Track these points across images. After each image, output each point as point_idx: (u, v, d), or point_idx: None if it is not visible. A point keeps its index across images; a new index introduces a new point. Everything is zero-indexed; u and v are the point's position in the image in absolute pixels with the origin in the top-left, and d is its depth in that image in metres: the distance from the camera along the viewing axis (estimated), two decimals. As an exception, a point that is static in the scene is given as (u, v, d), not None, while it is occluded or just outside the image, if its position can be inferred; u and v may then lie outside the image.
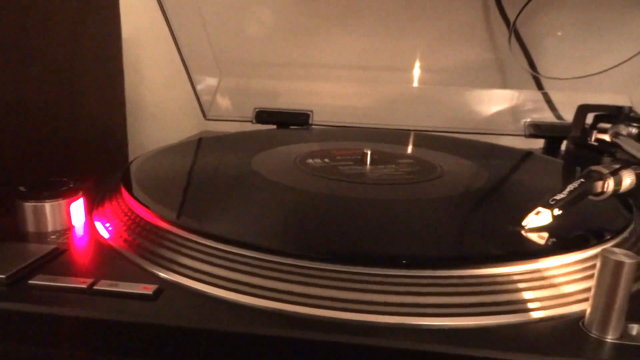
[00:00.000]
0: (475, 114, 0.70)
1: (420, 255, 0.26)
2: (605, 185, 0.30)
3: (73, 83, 0.50)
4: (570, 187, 0.30)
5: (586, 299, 0.23)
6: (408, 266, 0.25)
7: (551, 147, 0.63)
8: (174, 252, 0.27)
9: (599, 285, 0.21)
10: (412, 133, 0.62)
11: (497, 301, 0.24)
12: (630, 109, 0.52)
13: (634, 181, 0.31)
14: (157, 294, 0.24)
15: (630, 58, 0.62)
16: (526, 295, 0.24)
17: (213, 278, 0.25)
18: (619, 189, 0.31)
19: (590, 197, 0.31)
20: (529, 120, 0.66)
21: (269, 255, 0.25)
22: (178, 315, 0.22)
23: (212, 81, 0.71)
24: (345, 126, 0.67)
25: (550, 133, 0.64)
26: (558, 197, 0.29)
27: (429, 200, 0.35)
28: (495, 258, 0.25)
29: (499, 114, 0.69)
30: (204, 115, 0.69)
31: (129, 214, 0.32)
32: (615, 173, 0.30)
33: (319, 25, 0.69)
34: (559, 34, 0.63)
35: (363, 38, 0.69)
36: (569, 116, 0.57)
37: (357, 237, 0.29)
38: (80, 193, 0.33)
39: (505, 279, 0.25)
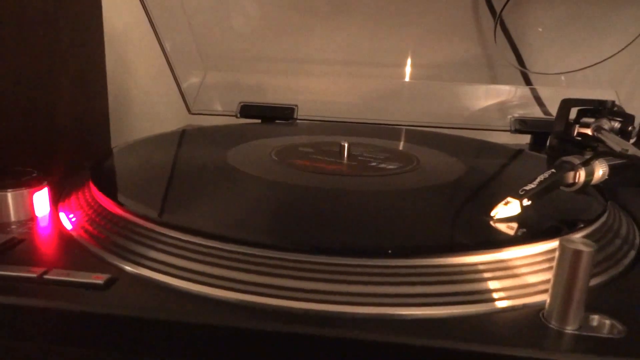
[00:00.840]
0: (463, 110, 0.69)
1: (383, 245, 0.26)
2: (577, 176, 0.30)
3: (50, 75, 0.49)
4: (540, 178, 0.29)
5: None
6: (371, 255, 0.24)
7: (537, 143, 0.63)
8: (134, 243, 0.26)
9: (557, 274, 0.21)
10: (395, 128, 0.61)
11: (460, 291, 0.23)
12: (613, 103, 0.51)
13: (607, 172, 0.31)
14: (108, 283, 0.23)
15: (617, 53, 0.62)
16: (489, 285, 0.24)
17: (171, 268, 0.25)
18: (591, 180, 0.30)
19: (562, 188, 0.30)
20: (515, 115, 0.66)
21: (230, 245, 0.25)
22: (125, 304, 0.22)
23: (197, 75, 0.71)
24: (330, 121, 0.67)
25: (536, 128, 0.63)
26: (527, 187, 0.29)
27: (399, 192, 0.34)
28: (458, 248, 0.25)
29: (487, 109, 0.69)
30: (188, 110, 0.69)
31: (93, 205, 0.31)
32: (586, 164, 0.30)
33: (306, 20, 0.69)
34: (540, 30, 0.62)
35: (351, 33, 0.68)
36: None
37: (321, 227, 0.29)
38: (45, 183, 0.32)
39: (469, 268, 0.24)
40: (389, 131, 0.59)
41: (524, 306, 0.23)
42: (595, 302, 0.24)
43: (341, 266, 0.24)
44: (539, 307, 0.23)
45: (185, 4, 0.66)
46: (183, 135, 0.52)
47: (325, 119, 0.67)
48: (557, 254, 0.21)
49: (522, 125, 0.64)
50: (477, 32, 0.67)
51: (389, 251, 0.24)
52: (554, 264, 0.21)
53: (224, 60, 0.71)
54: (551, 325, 0.21)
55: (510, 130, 0.64)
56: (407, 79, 0.70)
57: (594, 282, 0.26)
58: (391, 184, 0.36)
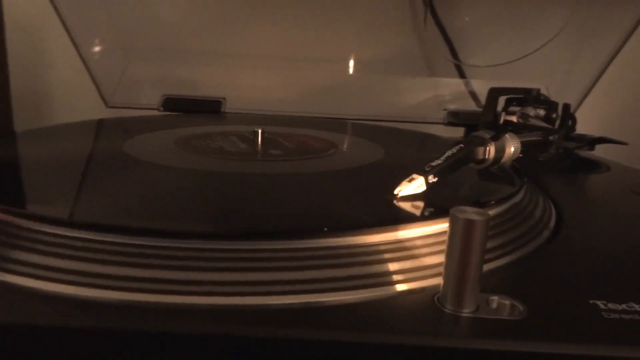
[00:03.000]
0: (401, 103, 0.68)
1: (266, 227, 0.23)
2: (487, 152, 0.28)
3: None
4: (448, 153, 0.27)
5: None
6: (249, 238, 0.21)
7: (470, 135, 0.62)
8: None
9: (450, 251, 0.18)
10: (325, 119, 0.59)
11: (351, 275, 0.20)
12: (538, 91, 0.51)
13: (519, 149, 0.29)
14: None
15: (545, 44, 0.62)
16: (384, 268, 0.21)
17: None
18: (502, 156, 0.28)
19: (473, 165, 0.28)
20: (450, 108, 0.65)
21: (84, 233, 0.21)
22: None
23: (116, 66, 0.66)
24: (261, 114, 0.63)
25: (469, 121, 0.63)
26: (434, 163, 0.26)
27: (301, 175, 0.31)
28: (349, 226, 0.22)
29: (423, 102, 0.68)
30: (105, 103, 0.64)
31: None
32: (496, 138, 0.28)
33: (240, 13, 0.66)
34: (467, 19, 0.62)
35: (286, 28, 0.66)
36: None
37: (208, 211, 0.25)
38: None
39: (361, 249, 0.21)
40: (319, 122, 0.56)
41: (423, 290, 0.21)
42: (501, 283, 0.21)
43: (220, 252, 0.21)
44: (436, 291, 0.20)
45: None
46: (75, 127, 0.47)
47: (255, 112, 0.64)
48: (448, 228, 0.18)
49: (455, 118, 0.63)
50: (413, 26, 0.66)
51: (246, 233, 0.21)
52: (447, 238, 0.19)
53: (148, 51, 0.66)
54: (446, 310, 0.19)
55: (443, 123, 0.64)
56: (344, 73, 0.68)
57: (502, 262, 0.23)
58: (298, 168, 0.33)
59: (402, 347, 0.18)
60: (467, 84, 0.67)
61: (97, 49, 0.63)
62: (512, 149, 0.28)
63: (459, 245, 0.18)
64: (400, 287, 0.20)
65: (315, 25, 0.65)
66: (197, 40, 0.66)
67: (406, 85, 0.68)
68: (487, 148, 0.27)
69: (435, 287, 0.20)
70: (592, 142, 0.47)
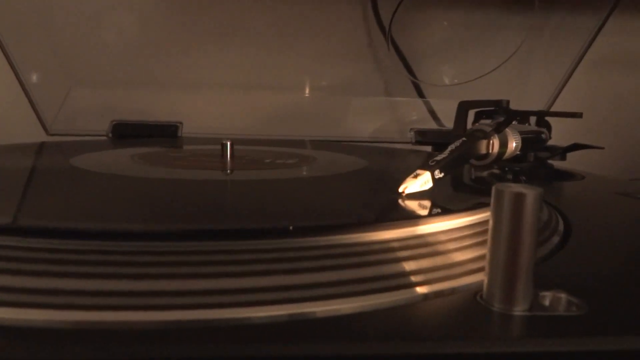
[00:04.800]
0: (364, 125, 0.67)
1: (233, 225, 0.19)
2: (490, 146, 0.26)
3: None
4: (451, 147, 0.24)
5: (481, 269, 0.17)
6: (216, 237, 0.17)
7: (439, 154, 0.61)
8: None
9: (496, 235, 0.15)
10: (287, 140, 0.56)
11: (372, 276, 0.17)
12: (508, 102, 0.51)
13: (520, 145, 0.27)
14: None
15: (503, 63, 0.63)
16: (408, 268, 0.18)
17: None
18: (505, 152, 0.26)
19: (476, 162, 0.26)
20: (416, 128, 0.65)
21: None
22: None
23: (57, 91, 0.60)
24: (220, 136, 0.59)
25: (436, 139, 0.62)
26: (438, 157, 0.24)
27: (295, 180, 0.28)
28: (366, 223, 0.18)
29: (386, 123, 0.68)
30: (46, 131, 0.58)
31: None
32: (499, 130, 0.26)
33: (196, 41, 0.63)
34: (445, 23, 0.62)
35: (243, 55, 0.64)
36: (451, 124, 0.55)
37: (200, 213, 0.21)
38: None
39: (380, 247, 0.18)
40: (283, 142, 0.54)
41: (454, 290, 0.17)
42: (541, 278, 0.18)
43: (186, 254, 0.16)
44: (472, 290, 0.17)
45: (39, 11, 0.56)
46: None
47: (214, 136, 0.60)
48: (491, 207, 0.15)
49: (422, 137, 0.63)
50: (372, 50, 0.66)
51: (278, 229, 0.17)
52: (489, 221, 0.16)
53: (95, 78, 0.62)
54: (494, 308, 0.16)
55: (411, 142, 0.63)
56: (307, 98, 0.66)
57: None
58: (285, 174, 0.29)
59: (445, 357, 0.14)
60: (427, 104, 0.68)
61: (38, 73, 0.58)
62: (514, 144, 0.27)
63: (508, 227, 0.15)
64: (422, 290, 0.17)
65: (275, 54, 0.63)
66: (148, 66, 0.62)
67: (370, 108, 0.67)
68: (491, 141, 0.25)
69: (469, 287, 0.17)
70: (566, 150, 0.47)
